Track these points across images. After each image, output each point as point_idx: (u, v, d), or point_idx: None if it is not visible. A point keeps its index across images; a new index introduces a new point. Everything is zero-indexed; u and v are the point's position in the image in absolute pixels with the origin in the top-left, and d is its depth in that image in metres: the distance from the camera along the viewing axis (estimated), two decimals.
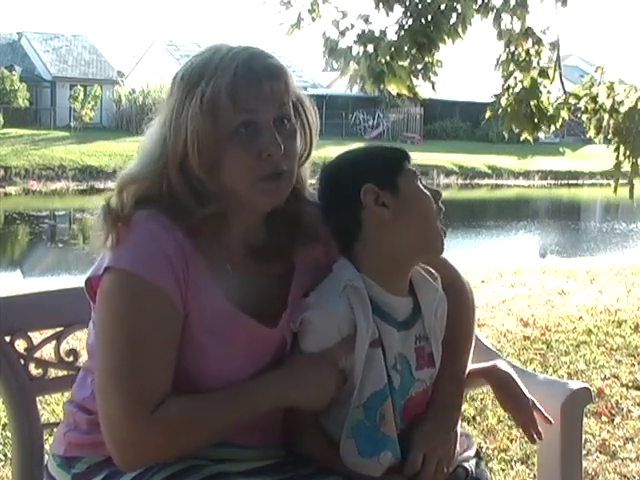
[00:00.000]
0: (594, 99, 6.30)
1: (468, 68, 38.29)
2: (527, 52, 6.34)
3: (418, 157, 29.19)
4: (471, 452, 1.68)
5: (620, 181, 6.34)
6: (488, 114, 6.59)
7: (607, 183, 8.77)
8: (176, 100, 1.45)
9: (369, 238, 1.54)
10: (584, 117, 6.47)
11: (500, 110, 6.45)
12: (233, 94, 1.42)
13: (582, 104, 6.42)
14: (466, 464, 1.63)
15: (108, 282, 1.42)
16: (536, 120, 6.42)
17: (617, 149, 6.25)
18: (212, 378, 1.45)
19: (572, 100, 6.43)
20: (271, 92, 1.45)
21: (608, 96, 6.24)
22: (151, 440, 1.38)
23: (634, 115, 6.15)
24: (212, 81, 1.42)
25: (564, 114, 6.43)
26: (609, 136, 6.37)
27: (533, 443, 1.70)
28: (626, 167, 6.26)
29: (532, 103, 6.36)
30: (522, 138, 6.64)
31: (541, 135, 6.81)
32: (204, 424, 1.41)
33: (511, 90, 6.41)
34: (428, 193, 1.55)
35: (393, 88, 6.41)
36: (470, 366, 1.69)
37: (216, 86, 1.42)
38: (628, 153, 6.17)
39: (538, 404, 1.68)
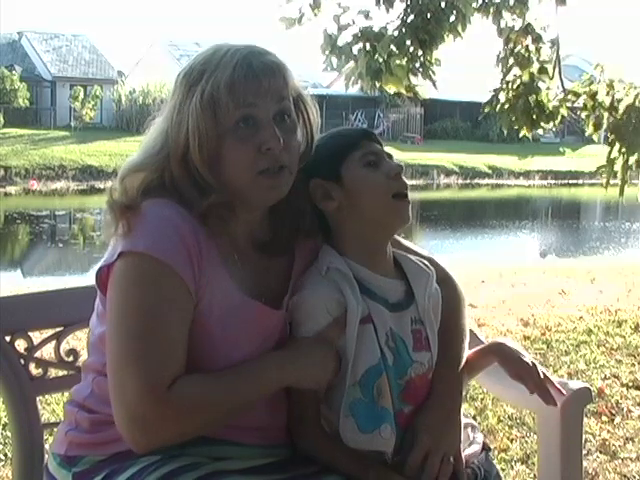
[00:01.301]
0: (593, 96, 6.28)
1: (469, 68, 38.22)
2: (527, 49, 6.34)
3: (418, 157, 29.25)
4: (478, 446, 1.68)
5: (612, 180, 6.31)
6: (486, 109, 6.57)
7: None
8: (178, 98, 1.48)
9: (335, 225, 1.59)
10: (583, 114, 6.45)
11: (499, 106, 6.44)
12: (232, 90, 1.44)
13: (581, 101, 6.40)
14: (474, 465, 1.62)
15: (124, 266, 1.42)
16: (534, 116, 6.41)
17: (611, 144, 6.21)
18: (220, 363, 1.46)
19: (571, 97, 6.41)
20: (269, 87, 1.47)
21: (607, 94, 6.22)
22: (166, 419, 1.38)
23: (632, 112, 6.13)
24: (212, 78, 1.44)
25: (563, 111, 6.42)
26: (607, 133, 6.35)
27: (548, 404, 1.66)
28: (618, 165, 6.22)
29: (531, 99, 6.34)
30: (521, 135, 6.63)
31: (541, 133, 6.79)
32: (216, 402, 1.42)
33: (510, 85, 6.40)
34: (378, 172, 1.55)
35: (390, 87, 6.39)
36: (473, 350, 1.70)
37: (215, 83, 1.44)
38: (623, 150, 6.14)
39: (549, 374, 1.67)
